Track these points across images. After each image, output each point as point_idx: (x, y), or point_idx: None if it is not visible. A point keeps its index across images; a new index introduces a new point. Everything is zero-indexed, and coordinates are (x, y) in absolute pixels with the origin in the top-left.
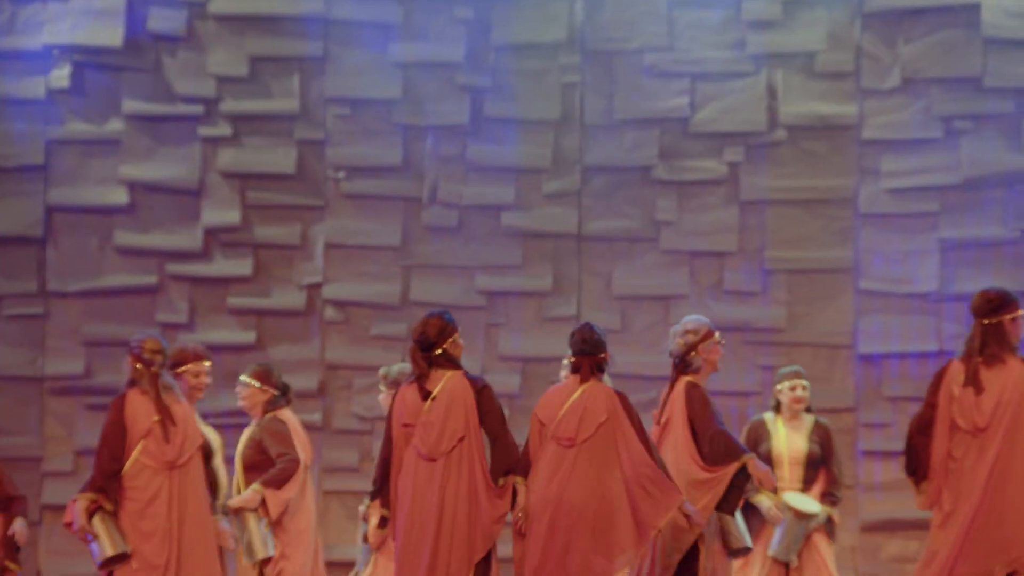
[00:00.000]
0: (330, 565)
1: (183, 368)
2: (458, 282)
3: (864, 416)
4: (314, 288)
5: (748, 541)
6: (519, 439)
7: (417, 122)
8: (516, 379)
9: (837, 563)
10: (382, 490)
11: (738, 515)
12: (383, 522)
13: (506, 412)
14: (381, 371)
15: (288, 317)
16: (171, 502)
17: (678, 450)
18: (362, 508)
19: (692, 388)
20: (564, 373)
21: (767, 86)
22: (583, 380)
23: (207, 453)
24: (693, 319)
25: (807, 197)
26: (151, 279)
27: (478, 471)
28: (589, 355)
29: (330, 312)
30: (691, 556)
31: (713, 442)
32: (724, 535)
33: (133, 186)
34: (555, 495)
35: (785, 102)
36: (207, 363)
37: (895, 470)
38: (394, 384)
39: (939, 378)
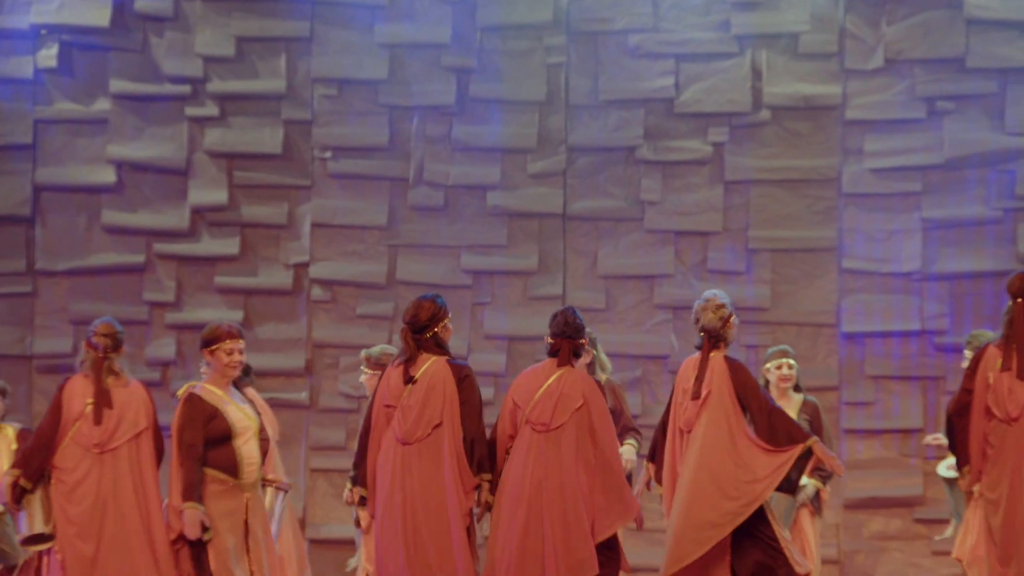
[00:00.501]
0: (317, 543)
1: (216, 346)
2: (444, 261)
3: (847, 394)
4: (300, 267)
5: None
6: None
7: (403, 102)
8: (502, 358)
9: (821, 540)
10: (359, 470)
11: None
12: (363, 501)
13: (491, 391)
14: (363, 353)
15: (275, 296)
16: (99, 487)
17: (730, 425)
18: (346, 493)
19: (735, 363)
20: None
21: (751, 67)
22: (560, 364)
23: (225, 435)
24: (720, 294)
25: (791, 177)
26: (138, 258)
27: (452, 459)
28: (569, 338)
29: (316, 291)
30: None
31: (774, 421)
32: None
33: (120, 165)
34: (531, 482)
35: (769, 82)
36: (241, 341)
37: (878, 448)
38: (377, 365)
39: (976, 362)
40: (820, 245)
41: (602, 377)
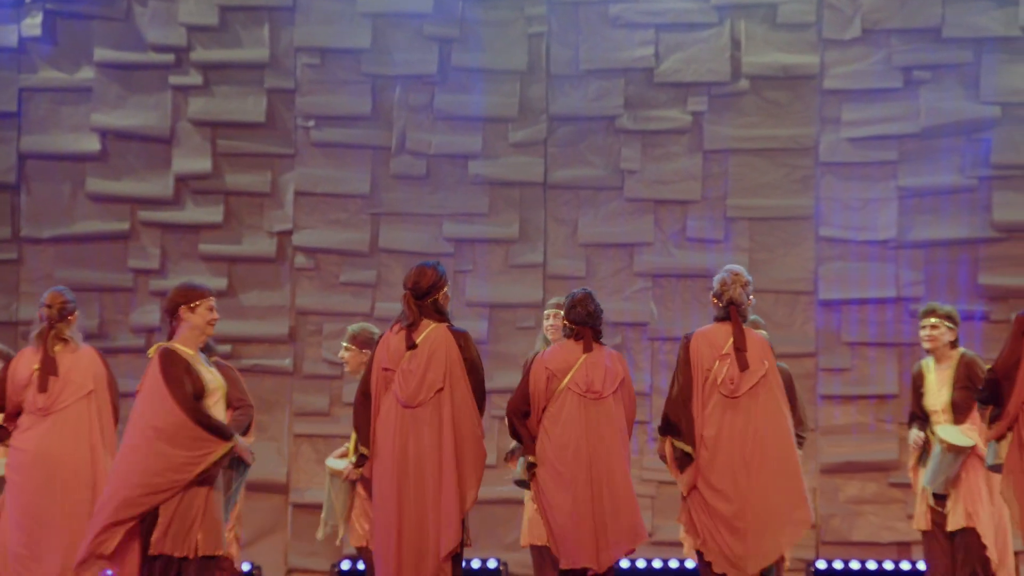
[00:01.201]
0: (300, 507)
1: (198, 303)
2: (426, 229)
3: (824, 361)
4: (284, 235)
5: None
6: (489, 384)
7: (386, 72)
8: (483, 325)
9: None
10: (361, 432)
11: None
12: (361, 460)
13: None
14: (350, 329)
15: (259, 264)
16: (39, 447)
17: (782, 407)
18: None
19: (771, 344)
20: (549, 323)
21: (730, 36)
22: (586, 349)
23: (199, 393)
24: (743, 269)
25: (769, 146)
26: (123, 226)
27: (449, 422)
28: (592, 327)
29: (300, 259)
30: None
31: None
32: None
33: (105, 134)
34: (587, 449)
35: (748, 52)
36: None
37: (854, 414)
38: (361, 343)
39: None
40: (797, 213)
41: None
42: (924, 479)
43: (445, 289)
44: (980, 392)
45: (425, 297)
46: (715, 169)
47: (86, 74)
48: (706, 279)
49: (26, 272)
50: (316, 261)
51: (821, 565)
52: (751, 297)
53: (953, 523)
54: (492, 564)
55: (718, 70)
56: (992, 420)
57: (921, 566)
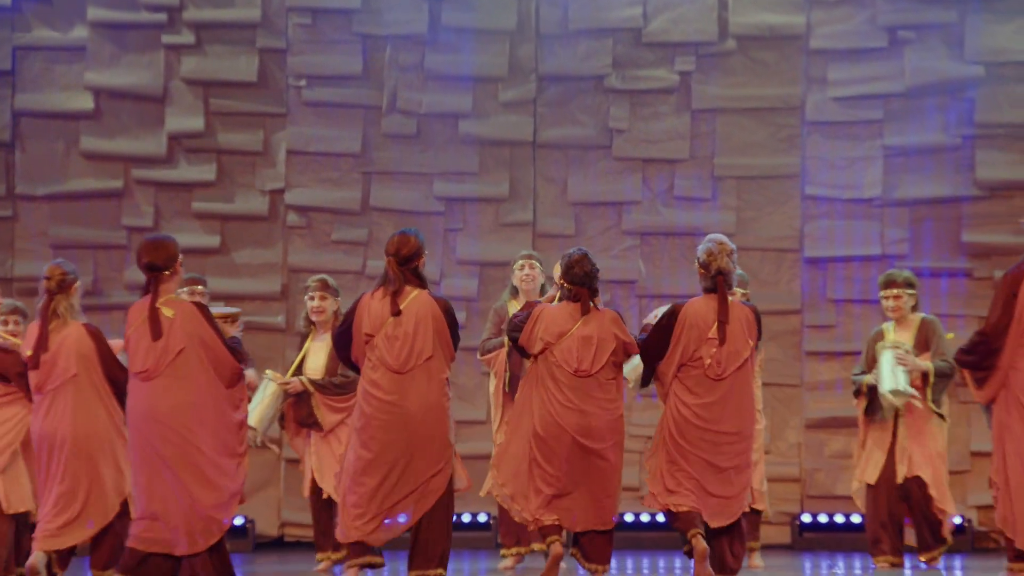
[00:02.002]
0: (293, 462)
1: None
2: (417, 188)
3: (809, 318)
4: (276, 194)
5: None
6: (476, 340)
7: (376, 31)
8: (474, 283)
9: (782, 459)
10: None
11: None
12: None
13: (463, 315)
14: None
15: (251, 222)
16: (42, 426)
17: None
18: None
19: (758, 311)
20: (523, 273)
21: None
22: (584, 311)
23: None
24: (723, 237)
25: (756, 105)
26: (117, 184)
27: (438, 385)
28: (590, 287)
29: (292, 217)
30: None
31: None
32: None
33: (98, 92)
34: (571, 424)
35: (735, 12)
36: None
37: (839, 369)
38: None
39: (1016, 285)
40: (784, 172)
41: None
42: (882, 384)
43: (424, 256)
44: (967, 354)
45: (407, 263)
46: (702, 128)
47: (80, 33)
48: (694, 237)
49: (21, 229)
50: (308, 219)
51: (806, 519)
52: (736, 265)
53: (901, 473)
54: (482, 518)
55: (705, 30)
56: (980, 382)
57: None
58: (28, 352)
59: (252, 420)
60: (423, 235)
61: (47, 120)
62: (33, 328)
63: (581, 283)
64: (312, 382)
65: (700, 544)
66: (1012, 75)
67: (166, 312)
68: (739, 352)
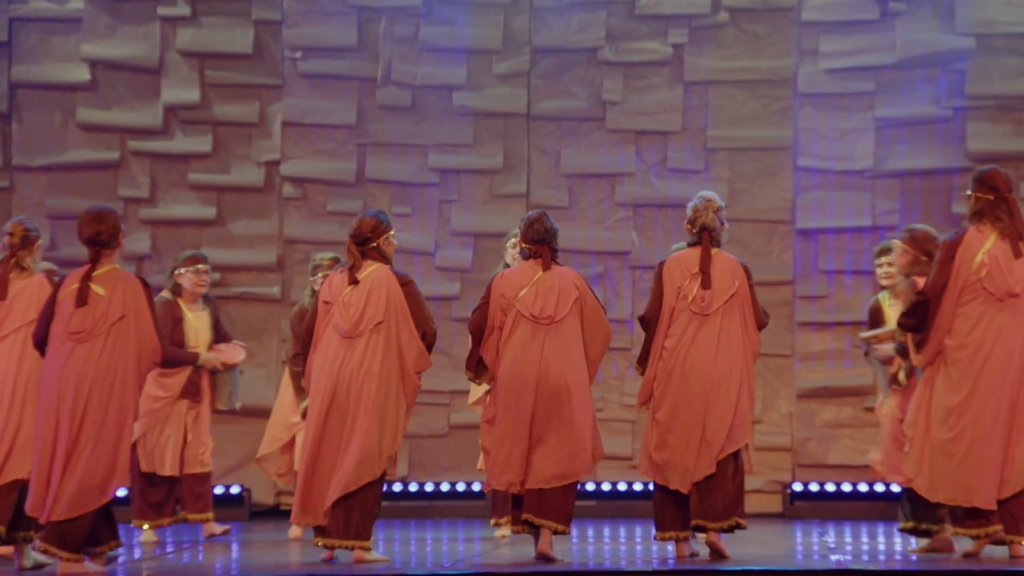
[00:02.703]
0: None
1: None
2: (411, 160)
3: (801, 288)
4: (272, 165)
5: None
6: (470, 310)
7: (371, 3)
8: (468, 254)
9: (775, 429)
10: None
11: None
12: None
13: (458, 286)
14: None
15: (247, 193)
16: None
17: (747, 316)
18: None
19: (746, 265)
20: (512, 252)
21: None
22: (545, 268)
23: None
24: (715, 195)
25: (748, 78)
26: (113, 155)
27: (393, 354)
28: (548, 244)
29: (288, 188)
30: None
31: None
32: None
33: (95, 64)
34: (536, 374)
35: None
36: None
37: (830, 340)
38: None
39: (955, 249)
40: (776, 144)
41: None
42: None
43: (388, 235)
44: (908, 318)
45: (366, 243)
46: (695, 100)
47: (76, 4)
48: (686, 209)
49: (18, 200)
50: (303, 191)
51: (797, 487)
52: (724, 223)
53: None
54: (476, 487)
55: (698, 2)
56: (919, 345)
57: (895, 488)
58: None
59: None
60: (386, 216)
61: (44, 91)
62: None
63: (541, 240)
64: None
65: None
66: (1002, 47)
67: (97, 290)
68: (725, 289)
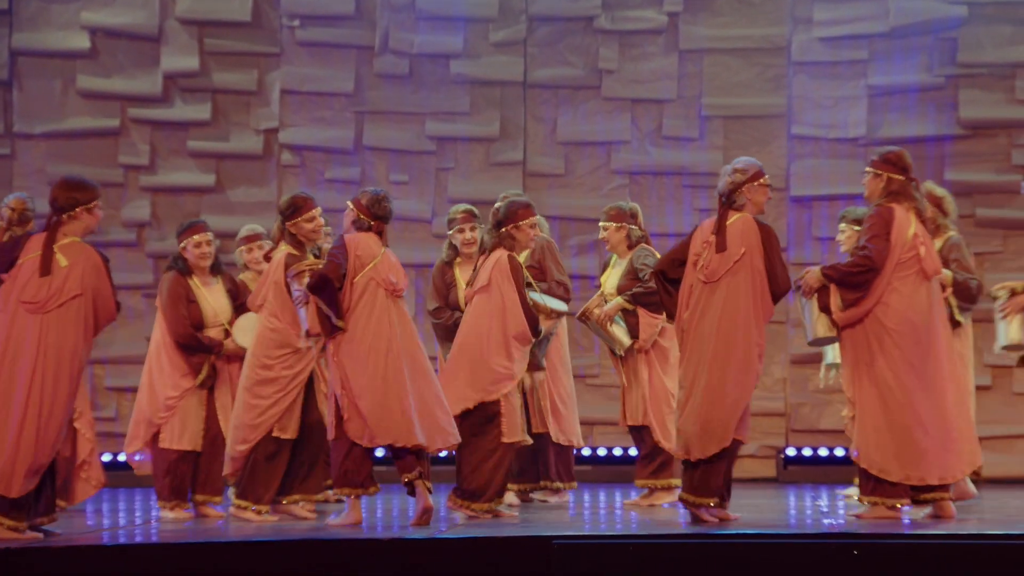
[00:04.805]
0: None
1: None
2: (409, 128)
3: (795, 255)
4: (270, 132)
5: None
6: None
7: None
8: None
9: (768, 393)
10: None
11: None
12: None
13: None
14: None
15: (245, 160)
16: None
17: (757, 278)
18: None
19: (765, 226)
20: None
21: None
22: (385, 244)
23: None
24: (743, 160)
25: (742, 46)
26: (113, 122)
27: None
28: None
29: (286, 156)
30: None
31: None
32: None
33: (95, 32)
34: (391, 333)
35: None
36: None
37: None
38: None
39: (890, 222)
40: (770, 112)
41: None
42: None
43: (297, 218)
44: (851, 288)
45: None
46: (690, 68)
47: None
48: (681, 176)
49: (19, 167)
50: (302, 158)
51: (791, 452)
52: (742, 186)
53: None
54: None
55: None
56: (853, 303)
57: None
58: None
59: None
60: (307, 191)
61: (44, 59)
62: None
63: (385, 218)
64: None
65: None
66: (995, 14)
67: (61, 261)
68: (730, 256)
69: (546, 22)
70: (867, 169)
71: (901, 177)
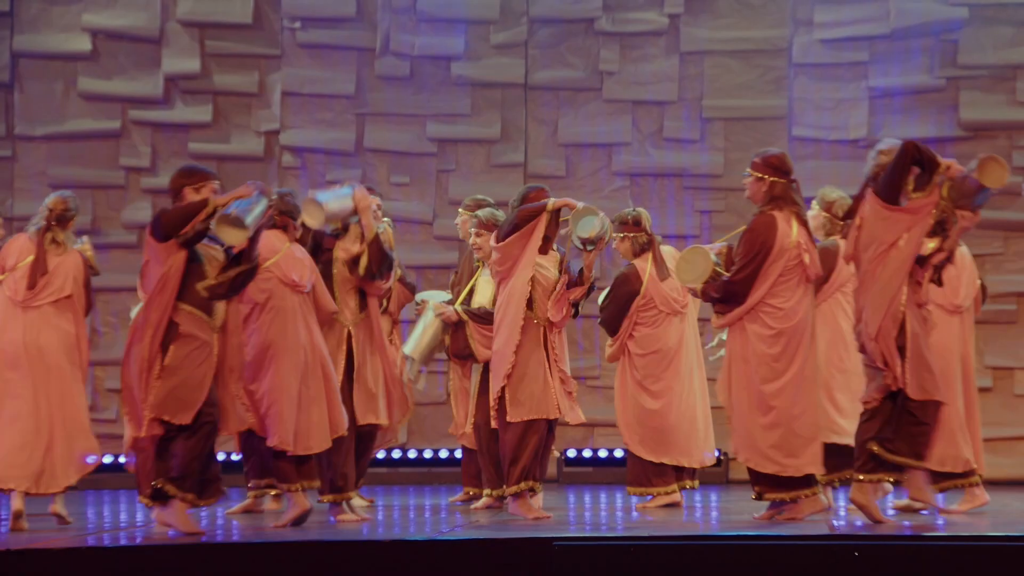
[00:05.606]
0: None
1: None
2: (410, 129)
3: None
4: (271, 134)
5: None
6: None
7: None
8: None
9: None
10: None
11: None
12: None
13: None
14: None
15: (247, 162)
16: (24, 337)
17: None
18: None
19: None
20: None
21: None
22: (292, 239)
23: None
24: (889, 141)
25: (743, 48)
26: (114, 124)
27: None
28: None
29: (287, 158)
30: None
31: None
32: None
33: (96, 34)
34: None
35: None
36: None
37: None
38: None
39: (771, 231)
40: (771, 114)
41: None
42: None
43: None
44: (718, 300)
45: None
46: (691, 70)
47: None
48: (683, 178)
49: (20, 169)
50: (303, 160)
51: None
52: (884, 163)
53: None
54: (443, 455)
55: None
56: (722, 314)
57: None
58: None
59: (408, 349)
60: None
61: (45, 61)
62: (19, 242)
63: (291, 213)
64: (467, 311)
65: None
66: (996, 16)
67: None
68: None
69: (547, 24)
70: (749, 171)
71: (783, 180)
